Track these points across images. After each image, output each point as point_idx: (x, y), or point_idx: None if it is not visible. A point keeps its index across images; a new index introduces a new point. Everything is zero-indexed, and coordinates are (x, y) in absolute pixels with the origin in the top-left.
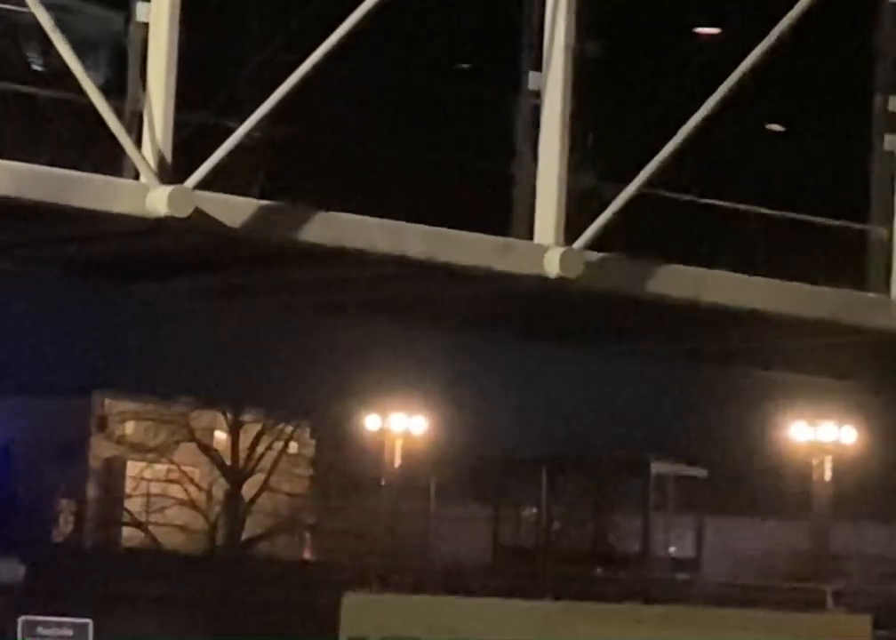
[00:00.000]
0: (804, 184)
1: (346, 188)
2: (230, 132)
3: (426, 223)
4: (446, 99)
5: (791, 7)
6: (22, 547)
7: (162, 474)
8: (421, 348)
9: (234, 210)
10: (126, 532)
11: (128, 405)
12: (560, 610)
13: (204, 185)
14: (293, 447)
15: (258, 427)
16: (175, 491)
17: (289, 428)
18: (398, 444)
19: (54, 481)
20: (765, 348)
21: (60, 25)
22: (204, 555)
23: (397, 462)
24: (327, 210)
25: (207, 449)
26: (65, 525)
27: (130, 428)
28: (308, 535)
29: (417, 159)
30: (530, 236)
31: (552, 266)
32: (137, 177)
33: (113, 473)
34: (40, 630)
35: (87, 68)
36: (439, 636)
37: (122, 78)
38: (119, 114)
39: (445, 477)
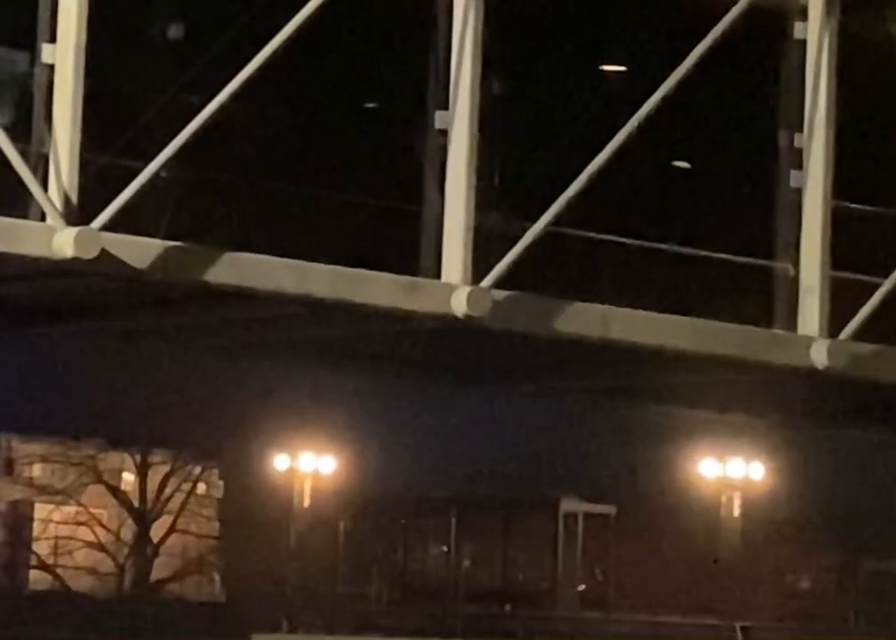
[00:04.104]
0: (711, 220)
1: (252, 228)
2: (137, 172)
3: (332, 263)
4: (353, 138)
5: (697, 43)
6: None
7: (70, 516)
8: (330, 388)
9: (140, 251)
10: (34, 575)
11: (35, 447)
12: None
13: (110, 226)
14: (201, 488)
15: (166, 468)
16: (83, 533)
17: (197, 469)
18: (307, 484)
19: None
20: (673, 384)
21: None
22: (113, 597)
23: (306, 502)
24: (234, 250)
25: (115, 491)
26: None
27: (37, 470)
28: (216, 576)
29: (323, 199)
30: (437, 275)
31: (459, 305)
32: (43, 219)
33: (20, 515)
34: None
35: None
36: None
37: (27, 120)
38: (25, 155)
39: (354, 517)
